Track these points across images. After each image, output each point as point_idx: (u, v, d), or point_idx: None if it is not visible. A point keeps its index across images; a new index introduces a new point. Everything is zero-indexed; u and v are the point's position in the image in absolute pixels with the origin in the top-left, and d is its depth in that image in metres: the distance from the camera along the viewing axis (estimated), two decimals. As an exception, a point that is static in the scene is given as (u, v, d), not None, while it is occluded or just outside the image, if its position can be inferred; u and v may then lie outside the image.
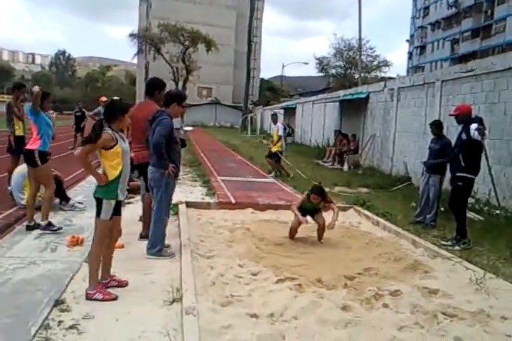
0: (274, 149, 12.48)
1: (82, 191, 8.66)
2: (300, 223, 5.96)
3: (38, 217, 6.11)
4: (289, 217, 6.54)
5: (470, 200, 7.37)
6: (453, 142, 6.74)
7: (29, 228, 5.87)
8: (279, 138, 12.46)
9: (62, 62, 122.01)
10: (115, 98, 4.85)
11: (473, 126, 6.04)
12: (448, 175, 7.11)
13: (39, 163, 5.86)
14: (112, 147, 3.91)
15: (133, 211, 6.77)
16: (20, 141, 7.97)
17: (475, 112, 7.51)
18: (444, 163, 7.16)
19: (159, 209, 5.09)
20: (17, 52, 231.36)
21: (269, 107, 42.53)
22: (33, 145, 5.90)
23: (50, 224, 5.88)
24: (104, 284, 4.12)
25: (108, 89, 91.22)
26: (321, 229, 6.04)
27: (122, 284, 4.26)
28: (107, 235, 4.11)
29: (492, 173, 6.38)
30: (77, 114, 17.60)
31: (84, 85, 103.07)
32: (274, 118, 14.01)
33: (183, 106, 5.21)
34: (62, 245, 5.33)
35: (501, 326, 3.67)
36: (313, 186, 6.38)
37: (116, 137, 3.94)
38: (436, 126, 7.58)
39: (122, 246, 5.32)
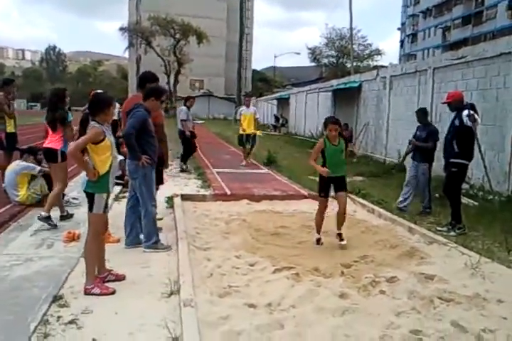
0: (258, 133, 12.43)
1: (76, 187, 8.57)
2: (325, 206, 5.72)
3: (31, 215, 6.09)
4: (283, 207, 6.56)
5: (464, 186, 7.41)
6: (445, 129, 6.74)
7: (62, 218, 6.20)
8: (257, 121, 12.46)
9: (53, 57, 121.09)
10: (98, 91, 4.83)
11: (465, 112, 6.05)
12: (438, 162, 7.16)
13: (59, 160, 6.02)
14: (101, 141, 3.89)
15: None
16: (12, 138, 7.93)
17: (467, 99, 7.51)
18: (429, 148, 7.19)
19: (144, 202, 5.07)
20: (6, 48, 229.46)
21: (262, 98, 42.47)
22: (55, 144, 6.03)
23: (49, 217, 5.87)
24: (101, 278, 4.12)
25: (100, 83, 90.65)
26: (341, 215, 5.58)
27: (120, 278, 4.26)
28: (101, 229, 4.12)
29: (484, 159, 6.41)
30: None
31: (76, 80, 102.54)
32: (248, 100, 13.43)
33: (162, 101, 5.18)
34: (58, 241, 5.32)
35: (497, 309, 3.71)
36: (326, 118, 5.68)
37: (104, 131, 3.93)
38: (422, 114, 7.60)
39: (118, 241, 5.32)
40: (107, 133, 3.94)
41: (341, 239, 5.52)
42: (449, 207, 6.44)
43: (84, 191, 4.03)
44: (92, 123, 3.90)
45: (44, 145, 6.19)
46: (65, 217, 6.27)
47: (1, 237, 5.45)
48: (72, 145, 3.90)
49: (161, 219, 6.05)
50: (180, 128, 11.41)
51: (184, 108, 11.59)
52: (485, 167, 6.25)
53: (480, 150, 6.25)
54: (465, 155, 6.22)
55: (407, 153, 7.91)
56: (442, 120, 10.19)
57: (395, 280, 4.28)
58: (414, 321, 3.50)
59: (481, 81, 9.13)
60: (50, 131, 6.13)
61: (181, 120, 11.39)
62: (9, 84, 7.97)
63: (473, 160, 6.41)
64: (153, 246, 5.08)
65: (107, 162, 3.96)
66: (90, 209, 4.00)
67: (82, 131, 3.82)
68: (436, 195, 7.84)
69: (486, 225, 6.37)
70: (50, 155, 6.08)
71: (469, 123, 5.98)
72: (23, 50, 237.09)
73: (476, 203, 7.64)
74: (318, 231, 5.70)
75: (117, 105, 13.74)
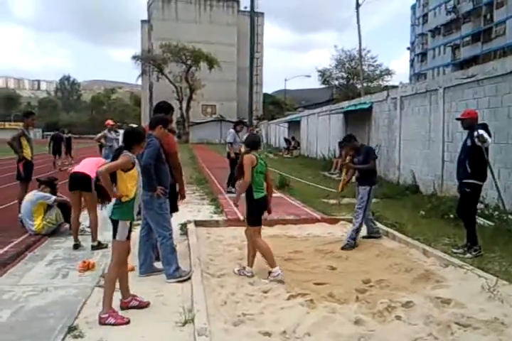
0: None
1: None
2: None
3: (47, 245, 6.15)
4: (297, 231, 6.55)
5: (479, 206, 7.32)
6: (458, 148, 6.73)
7: (75, 247, 6.35)
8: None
9: (67, 87, 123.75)
10: (133, 125, 5.07)
11: (476, 132, 6.04)
12: (452, 182, 7.07)
13: (93, 188, 6.04)
14: (129, 169, 4.05)
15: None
16: (29, 166, 8.09)
17: (479, 117, 7.50)
18: (371, 168, 6.97)
19: (159, 232, 5.10)
20: (22, 79, 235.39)
21: (273, 121, 42.76)
22: (92, 173, 5.96)
23: (100, 243, 6.36)
24: (125, 303, 4.19)
25: (113, 111, 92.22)
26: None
27: (143, 305, 4.29)
28: (124, 256, 4.18)
29: (495, 178, 6.34)
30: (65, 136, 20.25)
31: (90, 109, 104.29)
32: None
33: (169, 130, 5.29)
34: (73, 270, 5.36)
35: (516, 334, 3.63)
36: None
37: (134, 161, 4.10)
38: (350, 139, 7.19)
39: (132, 269, 5.34)
40: (136, 164, 4.11)
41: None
42: (464, 228, 6.37)
43: (110, 218, 4.12)
44: (124, 151, 4.08)
45: (77, 171, 6.40)
46: (77, 246, 6.39)
47: (17, 267, 5.51)
48: (103, 167, 3.99)
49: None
50: (228, 150, 11.86)
51: (232, 131, 12.02)
52: (497, 187, 6.18)
53: (491, 171, 6.19)
54: (478, 176, 6.17)
55: (347, 181, 7.46)
56: (454, 139, 10.16)
57: (410, 305, 4.22)
58: (431, 347, 3.45)
59: (492, 99, 9.12)
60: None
61: (228, 142, 11.85)
62: (29, 117, 8.26)
63: (487, 180, 6.36)
64: (175, 275, 5.04)
65: (133, 190, 4.07)
66: (114, 236, 4.09)
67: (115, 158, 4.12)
68: (451, 215, 7.76)
69: (502, 246, 6.28)
70: (86, 183, 6.08)
71: (479, 144, 5.96)
72: (38, 81, 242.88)
73: (491, 223, 7.53)
74: (251, 265, 5.33)
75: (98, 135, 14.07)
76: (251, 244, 5.35)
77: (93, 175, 5.84)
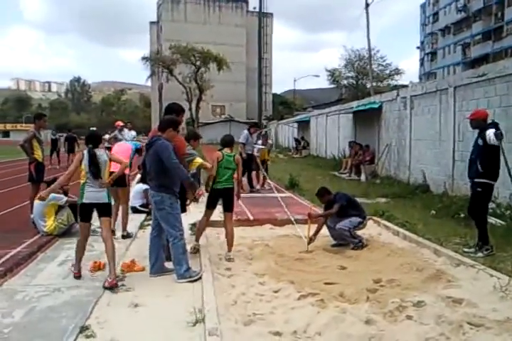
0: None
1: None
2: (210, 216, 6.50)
3: (58, 246, 6.19)
4: (307, 231, 6.52)
5: (491, 205, 7.27)
6: (469, 147, 6.67)
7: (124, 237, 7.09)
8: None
9: (77, 88, 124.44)
10: (93, 129, 5.60)
11: (489, 131, 5.99)
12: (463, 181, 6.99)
13: (127, 183, 7.33)
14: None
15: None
16: (40, 168, 8.14)
17: (490, 116, 7.43)
18: (334, 212, 6.62)
19: (170, 233, 5.12)
20: (33, 81, 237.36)
21: (283, 121, 42.73)
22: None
23: (128, 233, 7.15)
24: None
25: (123, 112, 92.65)
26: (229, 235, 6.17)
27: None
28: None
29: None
30: (52, 137, 21.20)
31: (100, 110, 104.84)
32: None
33: (178, 131, 5.34)
34: (85, 270, 5.39)
35: (529, 334, 3.60)
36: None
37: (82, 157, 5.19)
38: (322, 195, 6.94)
39: (143, 269, 5.38)
40: (84, 159, 5.11)
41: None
42: (475, 227, 6.32)
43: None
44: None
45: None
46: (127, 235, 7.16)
47: (29, 268, 5.56)
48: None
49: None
50: (239, 150, 11.90)
51: (246, 132, 12.24)
52: (510, 176, 6.07)
53: (508, 170, 6.11)
54: (490, 175, 6.13)
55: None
56: (465, 138, 10.09)
57: (422, 304, 4.20)
58: (442, 347, 3.43)
59: (504, 98, 9.04)
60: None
61: (240, 143, 11.98)
62: (40, 119, 8.32)
63: (499, 179, 6.31)
64: (186, 275, 5.06)
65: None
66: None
67: None
68: (462, 215, 7.71)
69: (514, 245, 6.23)
70: (122, 179, 6.88)
71: (495, 142, 5.87)
72: (49, 83, 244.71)
73: (503, 223, 7.47)
74: (197, 239, 6.31)
75: (106, 136, 14.25)
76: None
77: (126, 171, 6.81)
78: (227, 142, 6.32)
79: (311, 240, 6.46)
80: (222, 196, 6.08)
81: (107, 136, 17.60)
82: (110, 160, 5.33)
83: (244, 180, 11.88)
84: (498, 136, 5.81)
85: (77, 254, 5.28)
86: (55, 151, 20.83)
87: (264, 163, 12.72)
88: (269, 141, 13.05)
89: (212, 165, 6.05)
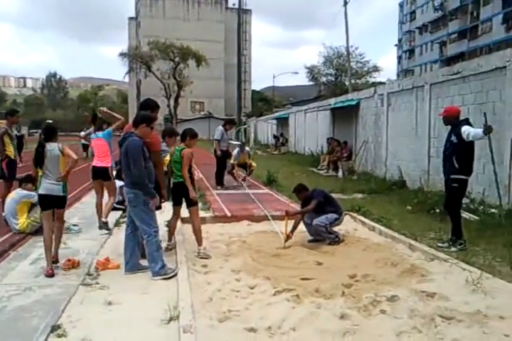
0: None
1: (77, 212, 8.65)
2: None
3: (31, 244, 6.10)
4: (284, 227, 6.53)
5: (464, 200, 7.38)
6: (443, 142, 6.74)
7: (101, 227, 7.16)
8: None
9: (54, 84, 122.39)
10: (49, 121, 5.54)
11: (464, 128, 6.05)
12: (438, 176, 7.07)
13: (112, 177, 7.46)
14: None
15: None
16: (12, 165, 7.98)
17: (464, 113, 7.52)
18: (311, 209, 6.58)
19: (145, 230, 5.07)
20: (8, 76, 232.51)
21: (262, 118, 42.70)
22: (105, 163, 7.23)
23: (106, 223, 7.16)
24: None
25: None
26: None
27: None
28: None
29: (486, 173, 6.33)
30: (17, 134, 20.42)
31: (77, 106, 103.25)
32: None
33: (152, 128, 5.23)
34: (58, 269, 5.29)
35: (499, 326, 3.67)
36: (186, 130, 6.24)
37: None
38: (299, 191, 6.95)
39: (118, 267, 5.31)
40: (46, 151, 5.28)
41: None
42: (449, 222, 6.42)
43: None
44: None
45: (95, 165, 7.25)
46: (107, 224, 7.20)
47: (1, 266, 5.45)
48: None
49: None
50: (214, 147, 11.95)
51: (221, 128, 12.01)
52: (496, 180, 6.12)
53: (494, 164, 6.16)
54: (465, 171, 6.22)
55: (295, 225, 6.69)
56: (440, 135, 10.21)
57: (395, 299, 4.24)
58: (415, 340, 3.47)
59: (478, 95, 9.18)
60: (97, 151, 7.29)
61: (215, 139, 11.89)
62: (13, 115, 8.16)
63: (473, 175, 6.40)
64: (161, 272, 5.02)
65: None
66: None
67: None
68: (437, 210, 7.81)
69: (487, 240, 6.34)
70: (105, 173, 7.22)
71: (479, 137, 5.89)
72: (24, 78, 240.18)
73: (476, 217, 7.60)
74: (169, 239, 6.26)
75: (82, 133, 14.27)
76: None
77: (107, 165, 7.23)
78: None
79: (288, 237, 6.46)
80: (178, 191, 6.01)
81: (82, 133, 17.44)
82: (63, 154, 5.35)
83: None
84: (489, 129, 5.79)
85: (47, 251, 5.22)
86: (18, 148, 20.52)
87: (247, 166, 12.66)
88: (247, 148, 12.98)
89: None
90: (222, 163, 11.93)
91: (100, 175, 7.27)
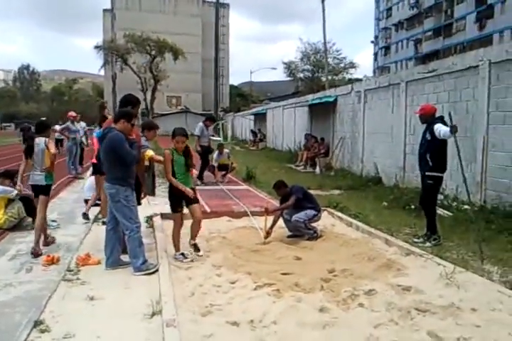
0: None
1: (55, 208, 8.58)
2: (182, 220, 5.92)
3: (9, 240, 6.07)
4: (263, 223, 6.61)
5: (439, 197, 7.58)
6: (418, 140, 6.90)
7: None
8: None
9: (27, 76, 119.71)
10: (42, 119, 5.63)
11: (437, 126, 6.20)
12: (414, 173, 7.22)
13: None
14: None
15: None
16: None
17: (439, 111, 7.69)
18: (290, 204, 6.66)
19: (126, 225, 5.09)
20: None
21: (239, 113, 42.72)
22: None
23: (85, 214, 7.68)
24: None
25: (75, 102, 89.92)
26: (196, 224, 5.82)
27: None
28: None
29: (464, 168, 6.50)
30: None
31: (51, 99, 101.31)
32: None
33: (132, 124, 5.24)
34: (37, 265, 5.29)
35: (471, 317, 3.83)
36: (174, 129, 5.78)
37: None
38: (278, 188, 6.98)
39: (98, 262, 5.33)
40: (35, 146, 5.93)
41: (197, 250, 5.76)
42: (424, 218, 6.60)
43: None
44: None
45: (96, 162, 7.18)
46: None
47: (-21, 263, 5.40)
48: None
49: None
50: (195, 143, 11.88)
51: (201, 125, 12.15)
52: (464, 178, 6.35)
53: (460, 162, 6.35)
54: (439, 168, 6.39)
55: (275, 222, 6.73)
56: (416, 132, 10.42)
57: (373, 292, 4.37)
58: (392, 333, 3.60)
59: (452, 93, 9.40)
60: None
61: (195, 135, 11.92)
62: None
63: (447, 171, 6.59)
64: (143, 268, 5.05)
65: None
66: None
67: None
68: (412, 206, 8.00)
69: (460, 235, 6.55)
70: (98, 168, 6.95)
71: (448, 135, 6.01)
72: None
73: (450, 214, 7.82)
74: (178, 249, 5.71)
75: (57, 127, 14.26)
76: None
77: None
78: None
79: (268, 234, 6.54)
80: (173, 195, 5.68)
81: (57, 127, 17.31)
82: (47, 148, 5.93)
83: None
84: (454, 128, 5.95)
85: (36, 231, 5.86)
86: None
87: (226, 167, 12.65)
88: (226, 150, 12.99)
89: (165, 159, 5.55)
90: (205, 159, 11.95)
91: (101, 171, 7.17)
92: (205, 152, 11.94)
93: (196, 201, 5.79)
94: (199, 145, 11.76)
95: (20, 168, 6.22)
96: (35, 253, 5.60)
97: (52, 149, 5.96)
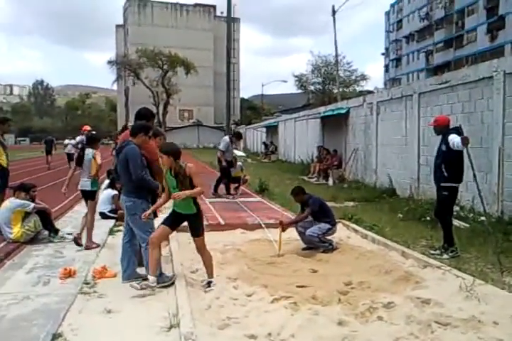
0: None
1: (70, 222, 8.63)
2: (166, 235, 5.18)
3: (26, 253, 6.11)
4: (278, 235, 6.59)
5: (455, 208, 7.50)
6: (433, 152, 6.87)
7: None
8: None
9: (41, 92, 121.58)
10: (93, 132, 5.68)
11: (451, 137, 6.17)
12: (428, 185, 7.17)
13: None
14: None
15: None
16: (5, 174, 7.95)
17: (453, 122, 7.67)
18: (306, 216, 6.68)
19: (143, 238, 5.08)
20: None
21: (251, 126, 42.88)
22: None
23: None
24: None
25: (88, 116, 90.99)
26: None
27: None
28: None
29: (477, 181, 6.48)
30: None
31: (64, 114, 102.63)
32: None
33: (150, 137, 5.27)
34: (54, 278, 5.31)
35: (493, 331, 3.75)
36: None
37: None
38: (296, 194, 6.93)
39: (115, 275, 5.34)
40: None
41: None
42: (440, 230, 6.53)
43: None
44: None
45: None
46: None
47: (-4, 276, 5.43)
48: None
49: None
50: (218, 157, 12.10)
51: (227, 140, 12.05)
52: (478, 189, 6.31)
53: (474, 173, 6.31)
54: (454, 179, 6.34)
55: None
56: (430, 143, 10.39)
57: (391, 305, 4.32)
58: (412, 346, 3.54)
59: (466, 104, 9.36)
60: None
61: (219, 150, 12.00)
62: (4, 123, 8.14)
63: (463, 182, 6.54)
64: (159, 280, 5.00)
65: None
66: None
67: None
68: (428, 218, 7.93)
69: (477, 247, 6.46)
70: None
71: (459, 147, 6.02)
72: (11, 85, 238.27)
73: (467, 225, 7.73)
74: (155, 270, 4.83)
75: (71, 141, 14.47)
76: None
77: None
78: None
79: (283, 227, 6.50)
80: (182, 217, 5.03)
81: (66, 141, 17.69)
82: (94, 158, 6.71)
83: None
84: (464, 140, 5.95)
85: (88, 231, 6.73)
86: None
87: (238, 180, 12.51)
88: (239, 163, 12.96)
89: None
90: (225, 173, 11.98)
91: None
92: (228, 166, 11.99)
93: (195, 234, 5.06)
94: (224, 160, 11.79)
95: (69, 173, 6.86)
96: (88, 247, 6.63)
97: (99, 160, 6.77)
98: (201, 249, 5.10)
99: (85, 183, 6.71)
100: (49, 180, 15.26)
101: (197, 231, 5.02)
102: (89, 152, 6.73)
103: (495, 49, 47.85)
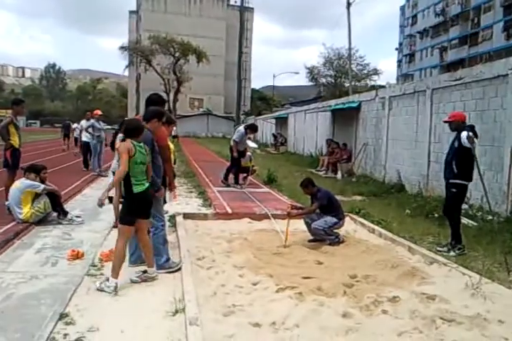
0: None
1: (79, 204, 8.70)
2: None
3: (35, 233, 6.17)
4: (284, 225, 6.60)
5: (463, 206, 7.47)
6: (444, 149, 6.84)
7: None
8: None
9: (53, 75, 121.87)
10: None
11: (464, 133, 6.15)
12: (438, 182, 7.16)
13: None
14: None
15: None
16: (16, 154, 8.00)
17: (466, 120, 7.61)
18: (313, 211, 6.73)
19: (152, 223, 5.10)
20: (6, 65, 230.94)
21: (260, 117, 42.76)
22: None
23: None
24: None
25: (99, 101, 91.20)
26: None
27: None
28: None
29: (484, 180, 6.48)
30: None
31: (75, 98, 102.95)
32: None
33: (163, 123, 5.26)
34: (62, 259, 5.37)
35: (498, 329, 3.75)
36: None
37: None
38: (305, 186, 6.92)
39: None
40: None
41: None
42: (448, 227, 6.51)
43: None
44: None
45: None
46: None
47: (5, 255, 5.49)
48: None
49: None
50: (231, 146, 12.04)
51: (243, 131, 11.96)
52: (484, 189, 6.30)
53: (479, 172, 6.31)
54: (464, 176, 6.31)
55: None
56: (441, 140, 10.33)
57: (397, 300, 4.32)
58: (416, 341, 3.55)
59: (479, 102, 9.27)
60: None
61: (234, 140, 11.93)
62: (18, 105, 8.14)
63: (472, 181, 6.50)
64: (165, 266, 5.08)
65: None
66: None
67: None
68: (436, 214, 7.90)
69: (485, 246, 6.43)
70: None
71: (468, 145, 6.06)
72: (23, 68, 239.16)
73: (475, 223, 7.70)
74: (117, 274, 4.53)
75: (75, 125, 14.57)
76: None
77: None
78: (133, 130, 4.71)
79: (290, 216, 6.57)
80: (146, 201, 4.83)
81: (75, 125, 17.83)
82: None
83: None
84: (470, 139, 5.96)
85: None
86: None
87: (247, 170, 12.52)
88: (248, 153, 12.92)
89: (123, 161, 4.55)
90: (236, 162, 12.00)
91: None
92: (239, 156, 11.98)
93: None
94: (236, 151, 11.78)
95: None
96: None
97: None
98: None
99: (116, 166, 6.69)
100: (60, 163, 15.36)
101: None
102: (120, 137, 6.75)
103: (511, 47, 47.24)
